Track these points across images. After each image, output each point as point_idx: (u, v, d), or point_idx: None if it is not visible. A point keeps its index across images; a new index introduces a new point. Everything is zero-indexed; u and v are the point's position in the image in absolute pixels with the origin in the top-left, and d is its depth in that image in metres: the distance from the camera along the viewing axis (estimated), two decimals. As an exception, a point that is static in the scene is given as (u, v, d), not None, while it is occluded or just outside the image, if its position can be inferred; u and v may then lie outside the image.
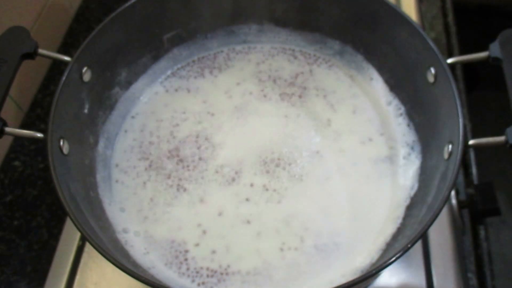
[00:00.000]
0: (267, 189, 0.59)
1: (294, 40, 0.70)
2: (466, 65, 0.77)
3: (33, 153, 0.71)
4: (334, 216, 0.58)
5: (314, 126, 0.64)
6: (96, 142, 0.61)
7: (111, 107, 0.64)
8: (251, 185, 0.60)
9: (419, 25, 0.58)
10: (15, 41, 0.53)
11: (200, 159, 0.62)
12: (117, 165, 0.62)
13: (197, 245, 0.56)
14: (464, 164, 0.72)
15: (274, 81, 0.68)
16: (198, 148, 0.63)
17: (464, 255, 0.62)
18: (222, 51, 0.71)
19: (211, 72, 0.69)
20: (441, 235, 0.61)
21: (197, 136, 0.64)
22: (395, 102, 0.65)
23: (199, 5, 0.66)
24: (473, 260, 0.64)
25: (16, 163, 0.70)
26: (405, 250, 0.44)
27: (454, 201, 0.64)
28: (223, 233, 0.57)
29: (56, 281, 0.59)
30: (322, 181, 0.60)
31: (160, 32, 0.66)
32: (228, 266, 0.55)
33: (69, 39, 0.83)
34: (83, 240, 0.62)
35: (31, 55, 0.54)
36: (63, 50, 0.81)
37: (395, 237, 0.55)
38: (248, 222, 0.57)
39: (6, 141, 0.71)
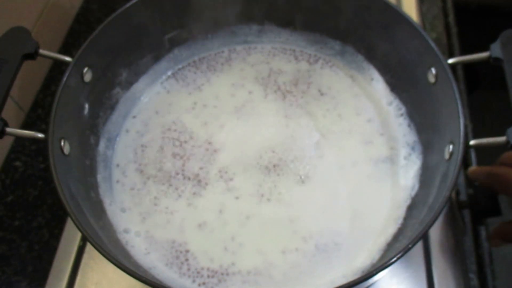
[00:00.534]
0: (268, 190, 0.59)
1: (294, 40, 0.70)
2: (467, 65, 0.77)
3: (34, 154, 0.71)
4: (335, 216, 0.58)
5: (315, 126, 0.64)
6: (97, 143, 0.61)
7: (112, 108, 0.64)
8: (252, 185, 0.60)
9: (419, 25, 0.58)
10: (16, 42, 0.53)
11: (200, 159, 0.62)
12: (118, 166, 0.62)
13: (197, 245, 0.56)
14: (465, 164, 0.72)
15: (275, 81, 0.68)
16: (199, 148, 0.63)
17: (465, 255, 0.62)
18: (223, 52, 0.71)
19: (211, 73, 0.69)
20: (442, 235, 0.61)
21: (198, 136, 0.64)
22: (396, 102, 0.65)
23: (199, 6, 0.66)
24: (474, 261, 0.64)
25: (17, 163, 0.70)
26: (406, 250, 0.44)
27: (454, 202, 0.64)
28: (224, 233, 0.57)
29: (57, 281, 0.59)
30: (323, 181, 0.60)
31: (161, 33, 0.66)
32: (229, 266, 0.55)
33: (70, 39, 0.83)
34: (84, 240, 0.62)
35: (32, 55, 0.54)
36: (64, 50, 0.82)
37: (396, 237, 0.55)
38: (249, 222, 0.57)
39: (7, 142, 0.71)
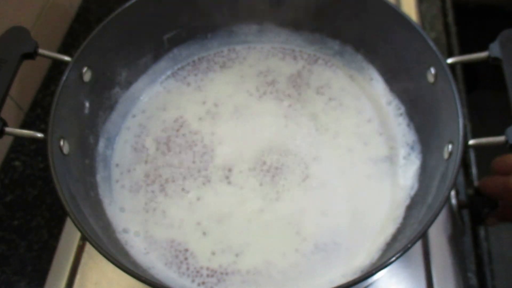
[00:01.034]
0: (267, 189, 0.59)
1: (294, 40, 0.70)
2: (466, 65, 0.77)
3: (33, 153, 0.71)
4: (334, 216, 0.58)
5: (314, 126, 0.64)
6: (96, 142, 0.61)
7: (111, 107, 0.64)
8: (251, 184, 0.60)
9: (419, 25, 0.58)
10: (15, 41, 0.53)
11: (200, 159, 0.62)
12: (117, 165, 0.62)
13: (197, 244, 0.56)
14: (464, 164, 0.72)
15: (274, 81, 0.68)
16: (198, 148, 0.63)
17: (464, 255, 0.62)
18: (222, 51, 0.71)
19: (211, 72, 0.69)
20: (441, 235, 0.61)
21: (197, 136, 0.64)
22: (395, 102, 0.65)
23: (199, 5, 0.66)
24: (473, 260, 0.64)
25: (16, 163, 0.70)
26: (405, 250, 0.44)
27: (454, 201, 0.64)
28: (223, 232, 0.57)
29: (56, 281, 0.59)
30: (322, 181, 0.60)
31: (160, 32, 0.66)
32: (228, 265, 0.55)
33: (69, 39, 0.83)
34: (83, 240, 0.62)
35: (31, 55, 0.54)
36: (63, 50, 0.81)
37: (395, 237, 0.55)
38: (248, 222, 0.57)
39: (6, 141, 0.71)
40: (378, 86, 0.66)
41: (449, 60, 0.54)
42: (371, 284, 0.58)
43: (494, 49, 0.52)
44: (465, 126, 0.50)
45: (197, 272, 0.55)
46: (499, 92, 0.54)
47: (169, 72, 0.69)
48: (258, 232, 0.57)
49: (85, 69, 0.57)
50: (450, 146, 0.51)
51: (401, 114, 0.64)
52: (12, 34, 0.54)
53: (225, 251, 0.56)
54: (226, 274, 0.55)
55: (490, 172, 0.59)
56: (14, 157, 0.71)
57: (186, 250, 0.56)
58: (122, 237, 0.57)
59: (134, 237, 0.57)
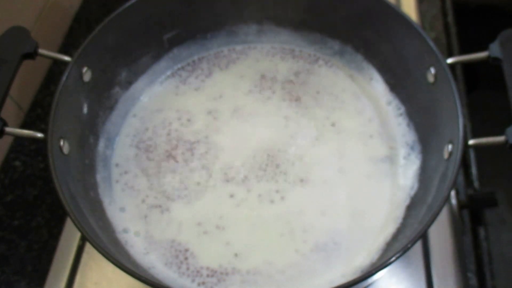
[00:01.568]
0: (267, 189, 0.59)
1: (294, 40, 0.70)
2: (466, 65, 0.77)
3: (33, 153, 0.71)
4: (334, 216, 0.58)
5: (314, 126, 0.64)
6: (96, 142, 0.61)
7: (111, 107, 0.64)
8: (251, 185, 0.60)
9: (419, 25, 0.58)
10: (15, 41, 0.53)
11: (200, 159, 0.62)
12: (117, 165, 0.62)
13: (197, 244, 0.56)
14: (464, 164, 0.72)
15: (274, 81, 0.68)
16: (198, 148, 0.63)
17: (464, 255, 0.62)
18: (222, 51, 0.71)
19: (211, 72, 0.69)
20: (441, 235, 0.61)
21: (197, 136, 0.64)
22: (395, 102, 0.65)
23: (199, 5, 0.66)
24: (473, 260, 0.64)
25: (16, 163, 0.70)
26: (405, 250, 0.44)
27: (454, 201, 0.64)
28: (223, 232, 0.57)
29: (56, 281, 0.59)
30: (322, 181, 0.60)
31: (160, 32, 0.66)
32: (228, 265, 0.55)
33: (69, 39, 0.83)
34: (83, 240, 0.62)
35: (31, 55, 0.54)
36: (63, 50, 0.81)
37: (395, 236, 0.55)
38: (248, 221, 0.58)
39: (6, 141, 0.71)
40: (378, 86, 0.66)
41: (449, 60, 0.54)
42: (371, 284, 0.58)
43: (494, 49, 0.52)
44: (465, 126, 0.50)
45: (197, 272, 0.55)
46: (499, 92, 0.54)
47: (169, 72, 0.69)
48: (258, 232, 0.57)
49: (85, 69, 0.57)
50: (450, 146, 0.51)
51: (401, 114, 0.64)
52: (12, 34, 0.54)
53: (225, 251, 0.56)
54: (226, 274, 0.55)
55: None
56: (14, 157, 0.71)
57: (186, 250, 0.56)
58: (122, 237, 0.57)
59: (134, 237, 0.57)
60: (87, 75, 0.58)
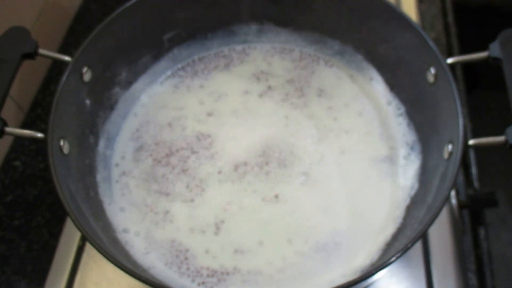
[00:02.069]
0: (267, 189, 0.59)
1: (294, 40, 0.70)
2: (466, 65, 0.77)
3: (33, 153, 0.71)
4: (335, 215, 0.58)
5: (314, 126, 0.64)
6: (96, 142, 0.61)
7: (111, 107, 0.64)
8: (251, 184, 0.60)
9: (419, 25, 0.58)
10: (15, 41, 0.53)
11: (200, 159, 0.62)
12: (117, 165, 0.62)
13: (197, 244, 0.56)
14: (464, 164, 0.72)
15: (274, 81, 0.68)
16: (198, 148, 0.63)
17: (464, 255, 0.62)
18: (222, 51, 0.71)
19: (211, 72, 0.69)
20: (441, 235, 0.61)
21: (197, 136, 0.64)
22: (395, 102, 0.65)
23: (199, 5, 0.66)
24: (473, 260, 0.64)
25: (17, 163, 0.70)
26: (405, 250, 0.44)
27: (454, 201, 0.64)
28: (223, 232, 0.57)
29: (56, 281, 0.59)
30: (322, 181, 0.60)
31: (160, 32, 0.66)
32: (228, 265, 0.55)
33: (69, 39, 0.83)
34: (84, 240, 0.62)
35: (32, 55, 0.54)
36: (63, 50, 0.81)
37: (395, 237, 0.55)
38: (248, 221, 0.58)
39: (7, 141, 0.71)
40: (378, 86, 0.66)
41: (449, 60, 0.54)
42: (371, 284, 0.58)
43: (494, 49, 0.53)
44: (465, 126, 0.50)
45: (197, 272, 0.55)
46: (499, 92, 0.54)
47: (169, 72, 0.69)
48: (258, 231, 0.57)
49: (85, 69, 0.57)
50: (450, 146, 0.51)
51: (401, 114, 0.64)
52: (12, 34, 0.54)
53: (226, 251, 0.56)
54: (227, 274, 0.55)
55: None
56: (14, 157, 0.71)
57: (187, 250, 0.56)
58: (122, 237, 0.57)
59: (134, 237, 0.57)
60: (87, 75, 0.58)
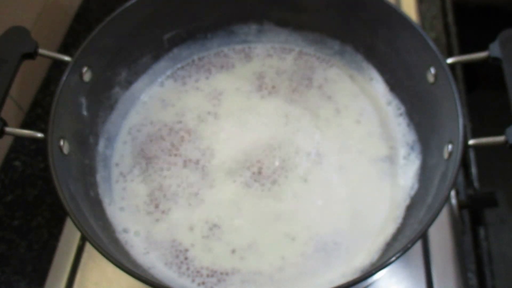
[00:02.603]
0: (267, 189, 0.59)
1: (294, 40, 0.70)
2: (466, 65, 0.77)
3: (33, 153, 0.71)
4: (334, 215, 0.58)
5: (314, 126, 0.64)
6: (96, 142, 0.61)
7: (111, 107, 0.64)
8: (251, 184, 0.60)
9: (419, 25, 0.58)
10: (15, 41, 0.53)
11: (200, 159, 0.62)
12: (117, 165, 0.62)
13: (197, 244, 0.56)
14: (464, 164, 0.72)
15: (274, 80, 0.68)
16: (198, 148, 0.63)
17: (464, 255, 0.62)
18: (222, 51, 0.71)
19: (211, 72, 0.69)
20: (441, 235, 0.61)
21: (198, 136, 0.64)
22: (395, 102, 0.65)
23: (199, 5, 0.66)
24: (473, 260, 0.64)
25: (17, 163, 0.70)
26: (405, 250, 0.44)
27: (454, 201, 0.64)
28: (223, 232, 0.57)
29: (56, 281, 0.59)
30: (322, 180, 0.60)
31: (160, 32, 0.66)
32: (228, 265, 0.55)
33: (69, 39, 0.83)
34: (83, 240, 0.62)
35: (32, 55, 0.54)
36: (63, 50, 0.81)
37: (395, 237, 0.55)
38: (248, 221, 0.58)
39: (7, 141, 0.71)
40: (378, 86, 0.66)
41: (449, 60, 0.54)
42: (371, 284, 0.58)
43: (494, 49, 0.52)
44: (465, 126, 0.50)
45: (197, 272, 0.55)
46: (499, 92, 0.54)
47: (169, 72, 0.69)
48: (258, 231, 0.57)
49: (85, 69, 0.57)
50: (450, 146, 0.51)
51: (401, 114, 0.64)
52: (12, 34, 0.54)
53: (225, 251, 0.56)
54: (226, 274, 0.55)
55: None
56: (14, 157, 0.71)
57: (187, 250, 0.56)
58: (122, 237, 0.57)
59: (134, 237, 0.57)
60: (87, 75, 0.58)
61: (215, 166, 0.61)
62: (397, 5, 0.75)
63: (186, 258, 0.56)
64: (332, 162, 0.61)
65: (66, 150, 0.53)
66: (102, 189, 0.59)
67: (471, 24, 0.94)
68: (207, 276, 0.55)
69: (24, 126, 0.73)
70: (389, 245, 0.55)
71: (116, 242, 0.55)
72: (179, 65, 0.70)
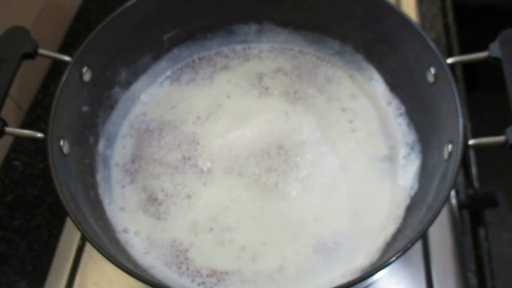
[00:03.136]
0: (267, 188, 0.59)
1: (294, 40, 0.70)
2: (466, 65, 0.77)
3: (33, 153, 0.71)
4: (334, 215, 0.58)
5: (314, 126, 0.64)
6: (96, 142, 0.61)
7: (111, 107, 0.64)
8: (252, 184, 0.60)
9: (419, 25, 0.58)
10: (15, 41, 0.53)
11: (200, 158, 0.62)
12: (117, 165, 0.62)
13: (197, 244, 0.56)
14: (464, 164, 0.72)
15: (274, 80, 0.68)
16: (199, 147, 0.63)
17: (464, 255, 0.62)
18: (222, 51, 0.71)
19: (211, 72, 0.69)
20: (441, 235, 0.61)
21: (198, 135, 0.64)
22: (395, 102, 0.65)
23: (199, 5, 0.66)
24: (473, 260, 0.64)
25: (17, 163, 0.70)
26: (405, 250, 0.44)
27: (454, 201, 0.64)
28: (223, 232, 0.57)
29: (56, 281, 0.59)
30: (322, 180, 0.60)
31: (160, 32, 0.66)
32: (228, 265, 0.55)
33: (69, 39, 0.83)
34: (83, 240, 0.62)
35: (32, 55, 0.54)
36: (63, 50, 0.81)
37: (395, 237, 0.55)
38: (248, 221, 0.58)
39: (7, 141, 0.71)
40: (378, 86, 0.66)
41: (449, 60, 0.54)
42: (371, 284, 0.58)
43: (494, 49, 0.52)
44: (465, 126, 0.50)
45: (197, 272, 0.55)
46: (499, 92, 0.54)
47: (169, 72, 0.69)
48: (258, 231, 0.57)
49: (85, 69, 0.57)
50: (450, 146, 0.51)
51: (401, 114, 0.64)
52: (12, 34, 0.54)
53: (225, 250, 0.56)
54: (226, 273, 0.55)
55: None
56: (14, 157, 0.71)
57: (186, 250, 0.56)
58: (122, 237, 0.57)
59: (134, 237, 0.57)
60: (87, 75, 0.58)
61: (215, 166, 0.61)
62: (397, 5, 0.75)
63: (186, 258, 0.56)
64: (332, 162, 0.61)
65: (66, 150, 0.53)
66: (102, 189, 0.59)
67: (471, 24, 0.94)
68: (207, 276, 0.55)
69: (24, 126, 0.73)
70: (389, 245, 0.55)
71: (116, 242, 0.55)
72: (179, 65, 0.70)
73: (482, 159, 0.74)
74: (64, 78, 0.54)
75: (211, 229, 0.57)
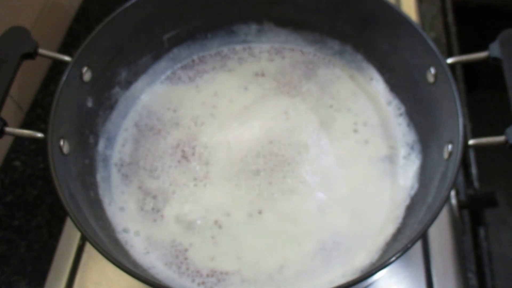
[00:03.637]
0: (266, 188, 0.59)
1: (294, 40, 0.70)
2: (466, 65, 0.77)
3: (33, 153, 0.71)
4: (334, 215, 0.58)
5: (314, 126, 0.64)
6: (96, 142, 0.61)
7: (111, 107, 0.64)
8: (252, 184, 0.60)
9: (419, 25, 0.58)
10: (15, 41, 0.53)
11: (200, 158, 0.62)
12: (117, 165, 0.62)
13: (197, 244, 0.56)
14: (464, 164, 0.72)
15: (274, 80, 0.68)
16: (198, 146, 0.63)
17: (464, 255, 0.62)
18: (222, 51, 0.71)
19: (211, 72, 0.69)
20: (441, 235, 0.61)
21: (197, 135, 0.64)
22: (395, 102, 0.65)
23: (199, 5, 0.66)
24: (473, 260, 0.64)
25: (17, 163, 0.70)
26: (405, 250, 0.44)
27: (454, 201, 0.64)
28: (223, 232, 0.57)
29: (56, 281, 0.59)
30: (322, 180, 0.60)
31: (160, 32, 0.66)
32: (228, 265, 0.55)
33: (69, 39, 0.83)
34: (83, 240, 0.62)
35: (32, 55, 0.54)
36: (63, 50, 0.81)
37: (395, 237, 0.55)
38: (248, 221, 0.57)
39: (7, 141, 0.71)
40: (378, 85, 0.66)
41: (449, 60, 0.54)
42: (371, 284, 0.58)
43: (494, 49, 0.53)
44: (465, 126, 0.50)
45: (197, 272, 0.55)
46: (499, 92, 0.54)
47: (169, 72, 0.69)
48: (258, 231, 0.57)
49: (85, 69, 0.57)
50: (450, 146, 0.51)
51: (401, 114, 0.64)
52: (12, 34, 0.54)
53: (225, 250, 0.56)
54: (226, 273, 0.55)
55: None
56: (14, 157, 0.71)
57: (186, 250, 0.56)
58: (122, 237, 0.57)
59: (134, 237, 0.57)
60: (87, 75, 0.58)
61: (215, 166, 0.61)
62: (397, 5, 0.75)
63: (186, 258, 0.56)
64: (332, 162, 0.61)
65: (66, 150, 0.53)
66: (102, 189, 0.59)
67: (471, 24, 0.94)
68: (207, 276, 0.55)
69: (24, 126, 0.73)
70: (389, 245, 0.55)
71: (116, 242, 0.55)
72: (179, 65, 0.70)
73: (482, 159, 0.74)
74: (64, 78, 0.54)
75: (211, 229, 0.57)
